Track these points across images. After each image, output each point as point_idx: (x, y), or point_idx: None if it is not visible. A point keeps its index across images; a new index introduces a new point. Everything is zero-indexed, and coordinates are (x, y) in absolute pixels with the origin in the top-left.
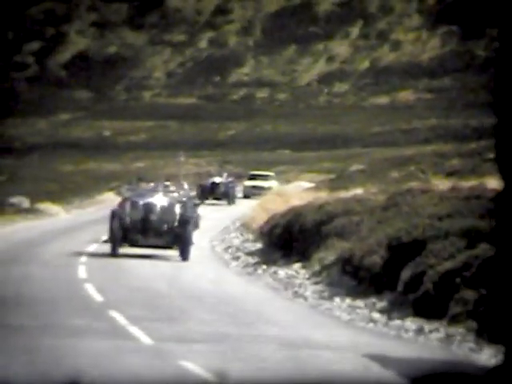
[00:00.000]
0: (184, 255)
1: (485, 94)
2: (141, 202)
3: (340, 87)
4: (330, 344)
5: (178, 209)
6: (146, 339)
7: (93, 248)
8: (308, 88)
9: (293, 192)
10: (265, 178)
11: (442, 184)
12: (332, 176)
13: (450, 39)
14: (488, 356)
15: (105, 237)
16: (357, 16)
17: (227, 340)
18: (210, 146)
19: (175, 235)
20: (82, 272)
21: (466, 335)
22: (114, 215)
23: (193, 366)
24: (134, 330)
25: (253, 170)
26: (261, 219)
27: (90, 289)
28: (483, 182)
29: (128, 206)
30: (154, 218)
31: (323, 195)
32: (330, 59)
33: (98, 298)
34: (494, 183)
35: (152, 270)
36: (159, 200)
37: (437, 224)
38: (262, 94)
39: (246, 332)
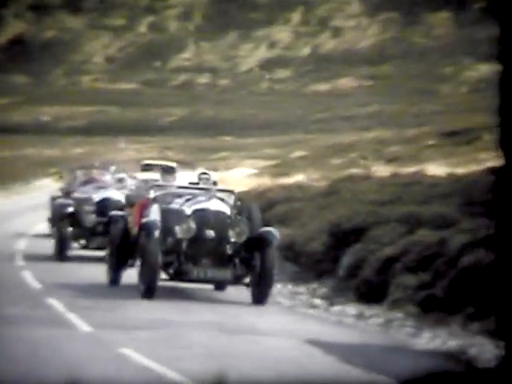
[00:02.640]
0: (262, 296)
1: (424, 80)
2: (187, 208)
3: (281, 73)
4: (270, 331)
5: (244, 220)
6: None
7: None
8: (249, 74)
9: (235, 178)
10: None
11: (382, 170)
12: (274, 162)
13: (390, 26)
14: (427, 340)
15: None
16: (297, 2)
17: (168, 327)
18: (150, 132)
19: (247, 263)
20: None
21: (405, 320)
22: (119, 226)
23: (133, 353)
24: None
25: (163, 158)
26: None
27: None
28: (423, 168)
29: (156, 212)
30: (211, 234)
31: (265, 181)
32: (271, 45)
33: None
34: (433, 169)
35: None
36: (214, 205)
37: (377, 210)
38: (203, 79)
39: (188, 319)
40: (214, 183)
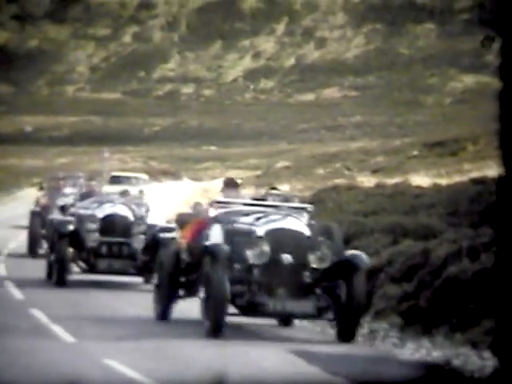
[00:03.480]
0: (349, 332)
1: (408, 91)
2: (259, 229)
3: (266, 84)
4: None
5: (327, 242)
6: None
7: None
8: (234, 84)
9: (218, 188)
10: (133, 181)
11: (367, 181)
12: (258, 172)
13: (374, 37)
14: (411, 350)
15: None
16: (282, 13)
17: (153, 338)
18: (134, 142)
19: (331, 293)
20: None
21: (390, 330)
22: (170, 250)
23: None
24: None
25: (129, 170)
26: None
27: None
28: (407, 178)
29: (219, 234)
30: (288, 259)
31: (250, 192)
32: (256, 56)
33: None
34: (417, 180)
35: None
36: (291, 224)
37: (362, 221)
38: (188, 89)
39: (173, 331)
40: (286, 199)
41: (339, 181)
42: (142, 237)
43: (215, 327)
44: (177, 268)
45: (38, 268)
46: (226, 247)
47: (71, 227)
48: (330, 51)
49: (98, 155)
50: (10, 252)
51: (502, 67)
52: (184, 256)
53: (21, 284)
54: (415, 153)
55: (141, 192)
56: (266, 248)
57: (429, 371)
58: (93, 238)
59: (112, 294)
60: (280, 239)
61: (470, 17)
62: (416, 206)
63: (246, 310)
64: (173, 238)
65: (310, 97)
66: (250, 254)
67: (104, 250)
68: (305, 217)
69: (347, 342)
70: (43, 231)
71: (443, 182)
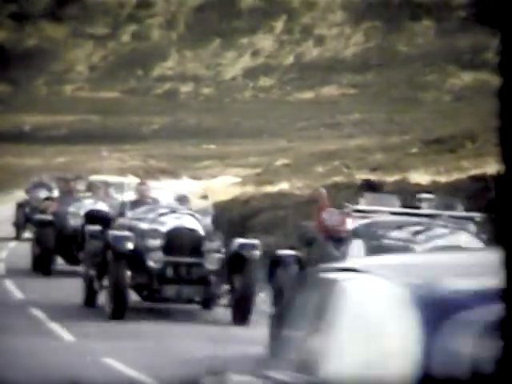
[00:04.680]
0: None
1: (407, 88)
2: (420, 246)
3: (265, 82)
4: (254, 340)
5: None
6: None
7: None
8: (233, 82)
9: (218, 187)
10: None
11: (365, 179)
12: (258, 170)
13: (373, 35)
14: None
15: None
16: (280, 11)
17: (151, 337)
18: (133, 141)
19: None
20: None
21: None
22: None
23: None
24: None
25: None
26: None
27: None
28: (406, 176)
29: (361, 252)
30: None
31: (249, 190)
32: (255, 54)
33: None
34: (416, 177)
35: None
36: (463, 241)
37: None
38: (186, 88)
39: (172, 329)
40: (447, 206)
41: (338, 178)
42: (217, 255)
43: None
44: None
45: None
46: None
47: (131, 245)
48: (328, 49)
49: (96, 154)
50: (11, 256)
51: (502, 63)
52: None
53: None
54: (414, 150)
55: (204, 197)
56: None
57: None
58: (155, 258)
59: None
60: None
61: (468, 14)
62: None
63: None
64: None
65: (308, 95)
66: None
67: (170, 272)
68: (471, 229)
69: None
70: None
71: (442, 179)
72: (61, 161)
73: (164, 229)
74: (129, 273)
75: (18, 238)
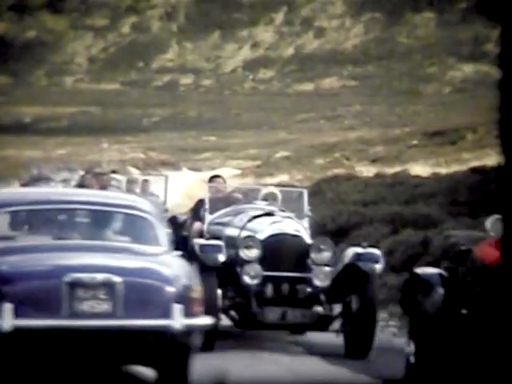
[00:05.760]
0: (362, 346)
1: (408, 80)
2: None
3: (265, 74)
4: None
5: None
6: None
7: None
8: (233, 74)
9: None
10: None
11: (366, 171)
12: (258, 163)
13: (373, 27)
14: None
15: None
16: (281, 2)
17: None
18: (133, 133)
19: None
20: None
21: (389, 320)
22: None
23: None
24: None
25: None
26: (185, 206)
27: None
28: (407, 168)
29: None
30: None
31: (249, 182)
32: (255, 45)
33: None
34: (417, 169)
35: None
36: None
37: (361, 210)
38: (187, 80)
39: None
40: None
41: (338, 171)
42: (327, 269)
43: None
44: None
45: None
46: None
47: (222, 257)
48: (328, 41)
49: (96, 146)
50: None
51: (502, 55)
52: None
53: None
54: (414, 142)
55: (300, 195)
56: None
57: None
58: (252, 273)
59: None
60: None
61: (469, 5)
62: (415, 195)
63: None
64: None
65: (309, 86)
66: None
67: (269, 290)
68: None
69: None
70: None
71: (443, 171)
72: (61, 152)
73: (261, 236)
74: (219, 291)
75: None
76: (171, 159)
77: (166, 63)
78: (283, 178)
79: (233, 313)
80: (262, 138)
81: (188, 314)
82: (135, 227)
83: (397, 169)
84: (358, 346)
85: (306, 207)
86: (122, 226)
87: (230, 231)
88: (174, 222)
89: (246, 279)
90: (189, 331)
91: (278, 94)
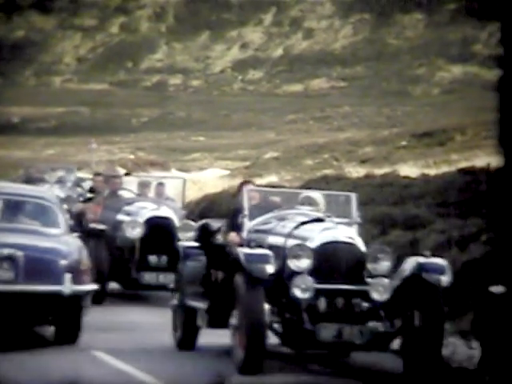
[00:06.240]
0: (424, 367)
1: (396, 81)
2: None
3: (254, 74)
4: None
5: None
6: None
7: None
8: (222, 75)
9: (207, 179)
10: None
11: (355, 171)
12: (246, 163)
13: (362, 28)
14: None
15: None
16: (270, 3)
17: (139, 329)
18: (122, 133)
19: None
20: None
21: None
22: None
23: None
24: None
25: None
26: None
27: None
28: (396, 169)
29: None
30: None
31: (238, 182)
32: (244, 46)
33: None
34: (406, 170)
35: None
36: None
37: None
38: (175, 80)
39: (158, 320)
40: None
41: (328, 171)
42: (386, 281)
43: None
44: None
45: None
46: None
47: (271, 268)
48: (317, 41)
49: (85, 146)
50: None
51: (502, 56)
52: None
53: None
54: (403, 143)
55: (348, 199)
56: None
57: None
58: (303, 285)
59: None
60: None
61: (458, 7)
62: (404, 196)
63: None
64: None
65: (298, 87)
66: None
67: (323, 305)
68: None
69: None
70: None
71: (431, 172)
72: (50, 153)
73: (312, 244)
74: (267, 306)
75: None
76: (160, 159)
77: (155, 63)
78: (272, 178)
79: (280, 329)
80: (251, 139)
81: (77, 281)
82: (42, 213)
83: (386, 170)
84: (420, 367)
85: (356, 213)
86: (32, 213)
87: (274, 239)
88: (206, 230)
89: (297, 292)
90: (78, 295)
91: (266, 94)
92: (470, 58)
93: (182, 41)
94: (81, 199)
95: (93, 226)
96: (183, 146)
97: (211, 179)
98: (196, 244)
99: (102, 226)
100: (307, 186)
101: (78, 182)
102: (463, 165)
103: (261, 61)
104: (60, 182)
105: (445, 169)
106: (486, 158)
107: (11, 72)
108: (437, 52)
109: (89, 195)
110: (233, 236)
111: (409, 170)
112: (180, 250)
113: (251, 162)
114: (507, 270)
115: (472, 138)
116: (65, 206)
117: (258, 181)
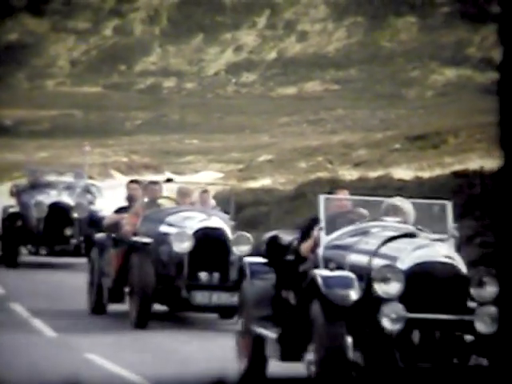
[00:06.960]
0: None
1: (390, 84)
2: None
3: (247, 77)
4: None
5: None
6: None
7: None
8: (215, 78)
9: (201, 182)
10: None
11: (349, 174)
12: (240, 166)
13: (356, 31)
14: None
15: None
16: (263, 6)
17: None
18: (116, 136)
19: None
20: None
21: None
22: None
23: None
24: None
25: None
26: None
27: None
28: (389, 172)
29: None
30: None
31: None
32: (238, 49)
33: None
34: (399, 173)
35: None
36: None
37: None
38: (169, 83)
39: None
40: None
41: (321, 174)
42: (493, 309)
43: None
44: None
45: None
46: None
47: (354, 294)
48: (311, 44)
49: (79, 149)
50: None
51: (502, 57)
52: None
53: None
54: (397, 146)
55: (442, 209)
56: None
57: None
58: (393, 315)
59: None
60: None
61: (451, 10)
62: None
63: None
64: None
65: (291, 90)
66: None
67: (417, 339)
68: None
69: None
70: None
71: (425, 175)
72: (43, 156)
73: (402, 265)
74: (349, 340)
75: (10, 262)
76: (154, 162)
77: (149, 66)
78: (266, 181)
79: (363, 364)
80: (244, 142)
81: None
82: None
83: (380, 172)
84: None
85: (451, 225)
86: None
87: (356, 258)
88: (276, 243)
89: (385, 323)
90: None
91: (260, 97)
92: (463, 61)
93: (176, 43)
94: (91, 207)
95: (135, 239)
96: (177, 148)
97: (205, 182)
98: (264, 260)
99: (146, 239)
100: (301, 188)
101: (88, 188)
102: (457, 167)
103: (255, 63)
104: (69, 187)
105: (438, 171)
106: (480, 161)
107: (4, 75)
108: (430, 55)
109: (120, 204)
110: (306, 247)
111: (403, 172)
112: (245, 266)
113: (245, 165)
114: (504, 272)
115: (465, 141)
116: (75, 215)
117: (252, 183)
